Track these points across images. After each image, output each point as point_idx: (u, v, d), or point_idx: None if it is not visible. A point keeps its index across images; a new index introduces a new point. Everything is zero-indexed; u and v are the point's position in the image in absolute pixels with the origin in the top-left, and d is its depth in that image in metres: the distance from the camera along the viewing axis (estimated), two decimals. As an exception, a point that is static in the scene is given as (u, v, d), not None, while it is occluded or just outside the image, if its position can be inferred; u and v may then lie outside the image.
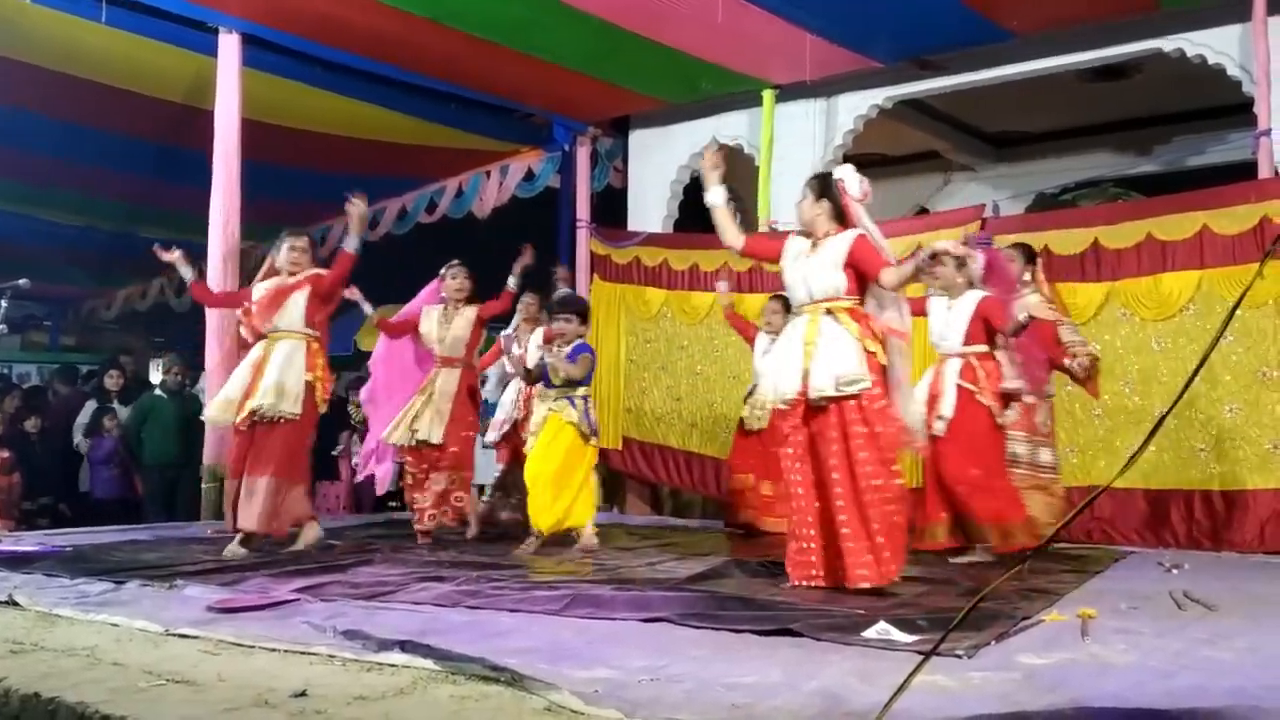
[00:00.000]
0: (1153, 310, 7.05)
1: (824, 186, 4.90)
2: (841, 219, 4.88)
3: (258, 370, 5.94)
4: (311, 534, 6.09)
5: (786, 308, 5.96)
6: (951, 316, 5.84)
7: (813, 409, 4.60)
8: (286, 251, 6.18)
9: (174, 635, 3.57)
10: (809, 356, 4.61)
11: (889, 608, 4.04)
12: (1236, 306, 2.81)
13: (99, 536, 6.72)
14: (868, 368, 4.53)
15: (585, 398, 6.24)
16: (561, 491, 6.07)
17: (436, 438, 6.51)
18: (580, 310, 6.41)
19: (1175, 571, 5.42)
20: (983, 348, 5.78)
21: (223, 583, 4.70)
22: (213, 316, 7.69)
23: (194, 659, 3.23)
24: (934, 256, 5.00)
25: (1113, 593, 4.61)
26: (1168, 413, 2.58)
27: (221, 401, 6.09)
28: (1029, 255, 6.48)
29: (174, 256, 6.53)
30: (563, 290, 7.58)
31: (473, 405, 6.86)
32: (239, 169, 7.65)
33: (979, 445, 5.67)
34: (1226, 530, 6.64)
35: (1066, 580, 4.95)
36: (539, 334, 7.10)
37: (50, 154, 9.26)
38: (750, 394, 7.16)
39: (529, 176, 10.41)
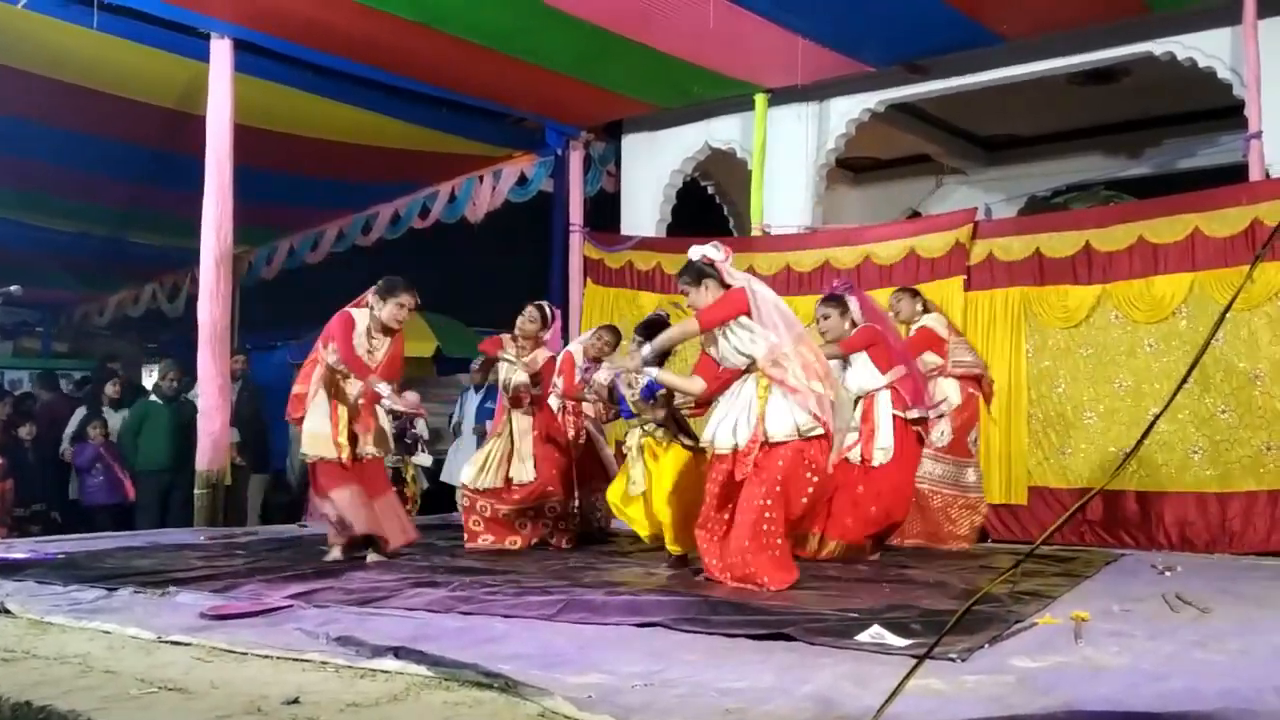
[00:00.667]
0: (1145, 313, 7.07)
1: (698, 272, 5.09)
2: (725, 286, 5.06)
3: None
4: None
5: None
6: (859, 360, 6.06)
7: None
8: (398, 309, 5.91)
9: (166, 642, 3.56)
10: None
11: (883, 611, 4.04)
12: (1228, 309, 2.82)
13: (91, 543, 6.70)
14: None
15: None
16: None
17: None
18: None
19: (1168, 574, 5.43)
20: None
21: (215, 590, 4.68)
22: (205, 326, 7.68)
23: (186, 666, 3.22)
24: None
25: (1105, 595, 4.62)
26: (1159, 415, 2.58)
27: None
28: (913, 293, 6.85)
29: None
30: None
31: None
32: (231, 174, 7.65)
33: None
34: (1219, 532, 6.66)
35: (1059, 583, 4.95)
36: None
37: (42, 160, 9.24)
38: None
39: (522, 181, 10.42)
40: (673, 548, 5.60)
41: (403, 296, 5.88)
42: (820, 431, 4.81)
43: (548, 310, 6.78)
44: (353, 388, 5.86)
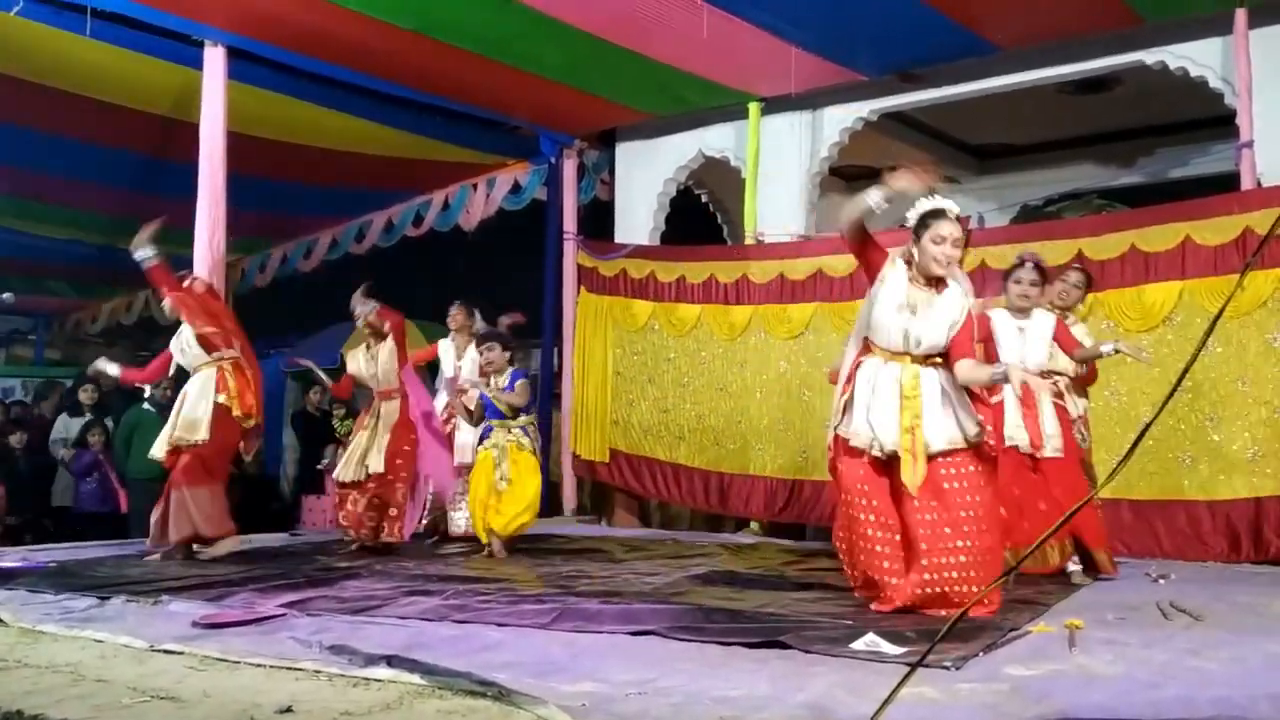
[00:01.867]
0: (1136, 321, 7.08)
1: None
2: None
3: None
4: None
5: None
6: (1029, 335, 5.55)
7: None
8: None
9: (159, 651, 3.55)
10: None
11: (877, 619, 4.04)
12: (1218, 318, 2.83)
13: (83, 551, 6.68)
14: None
15: (524, 427, 6.72)
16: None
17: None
18: (501, 339, 6.79)
19: (1161, 582, 5.44)
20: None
21: (208, 598, 4.67)
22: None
23: (179, 675, 3.21)
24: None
25: (1099, 604, 4.62)
26: (1149, 424, 2.58)
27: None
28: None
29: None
30: (481, 325, 7.58)
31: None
32: (224, 182, 7.63)
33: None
34: (1211, 540, 6.67)
35: (1053, 591, 4.95)
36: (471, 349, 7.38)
37: (35, 167, 9.23)
38: None
39: (516, 189, 10.42)
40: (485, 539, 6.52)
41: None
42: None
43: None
44: None
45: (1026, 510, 5.33)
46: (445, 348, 7.78)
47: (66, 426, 9.78)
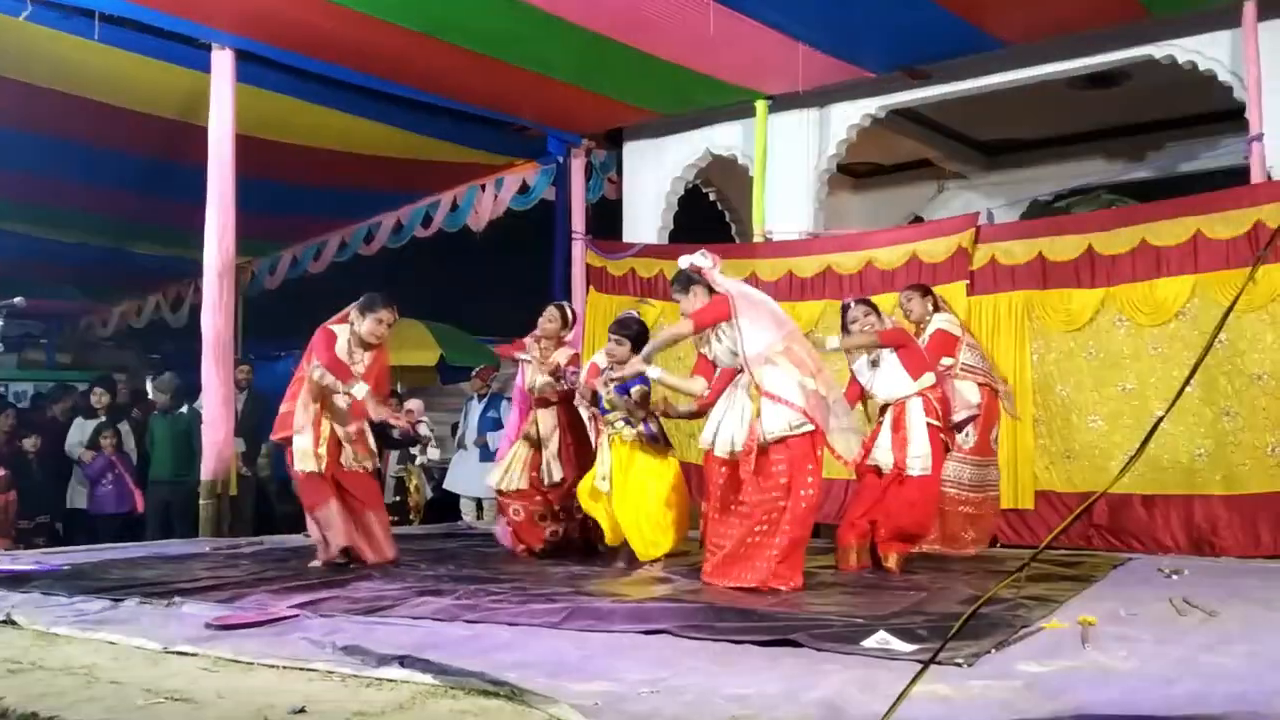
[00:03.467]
0: (1148, 315, 7.05)
1: (686, 280, 5.35)
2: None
3: None
4: None
5: None
6: (888, 363, 5.92)
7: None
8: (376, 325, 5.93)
9: (172, 653, 3.56)
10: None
11: (889, 617, 4.03)
12: (1230, 311, 2.82)
13: (97, 554, 6.70)
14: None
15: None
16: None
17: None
18: (633, 335, 6.15)
19: (1175, 577, 5.42)
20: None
21: (221, 600, 4.68)
22: (209, 336, 7.68)
23: (192, 676, 3.22)
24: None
25: (1112, 599, 4.61)
26: (1161, 418, 2.57)
27: None
28: (924, 291, 6.75)
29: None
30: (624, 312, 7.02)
31: None
32: (234, 184, 7.66)
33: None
34: (1225, 535, 6.64)
35: (1066, 587, 4.94)
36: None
37: (44, 171, 9.26)
38: None
39: (524, 189, 10.43)
40: (645, 551, 5.93)
41: (381, 312, 5.90)
42: (810, 428, 4.93)
43: (568, 310, 6.86)
44: (341, 400, 5.89)
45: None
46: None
47: (82, 430, 9.82)
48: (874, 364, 5.98)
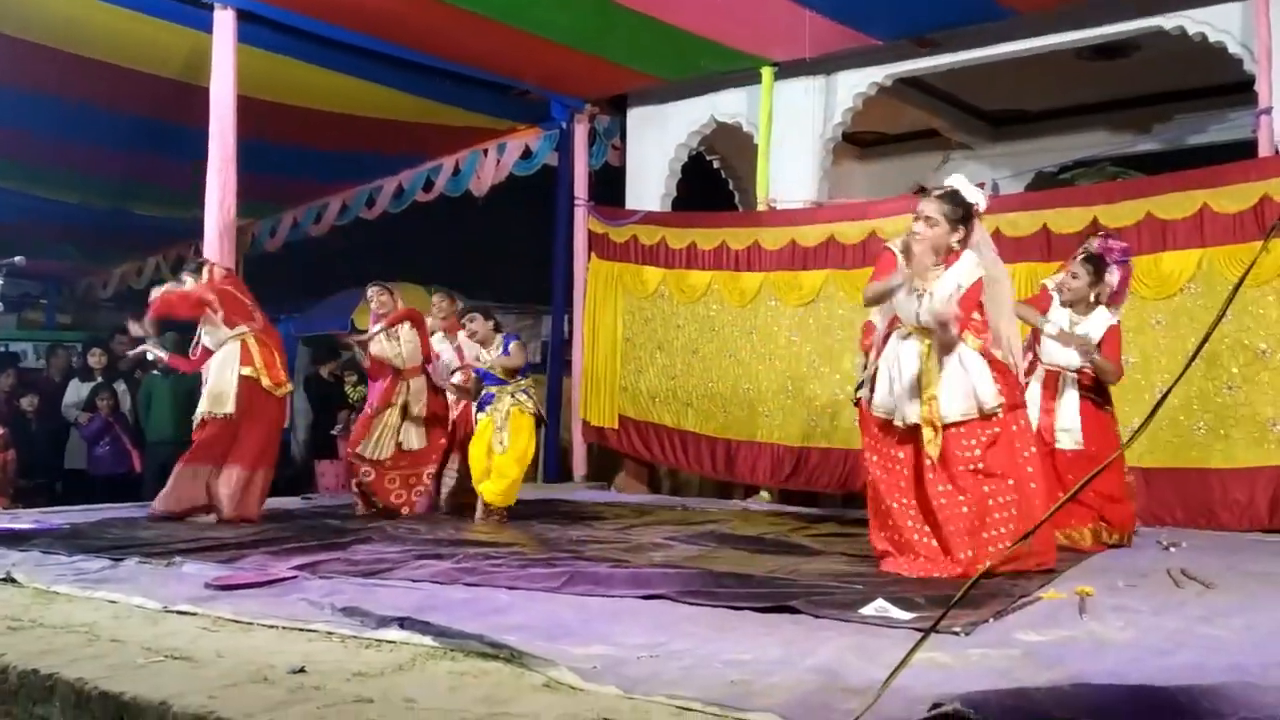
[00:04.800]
0: (1153, 289, 7.02)
1: (965, 212, 4.64)
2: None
3: None
4: None
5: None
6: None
7: None
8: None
9: (172, 612, 3.57)
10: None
11: (887, 585, 4.04)
12: (1239, 286, 2.81)
13: (96, 514, 6.72)
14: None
15: (526, 389, 6.83)
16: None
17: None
18: (483, 310, 6.96)
19: (1173, 550, 5.43)
20: None
21: (221, 560, 4.70)
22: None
23: (192, 635, 3.23)
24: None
25: (1111, 570, 4.62)
26: (1167, 392, 2.56)
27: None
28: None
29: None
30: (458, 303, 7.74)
31: None
32: (234, 145, 7.60)
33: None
34: (1224, 508, 6.64)
35: (1064, 558, 4.95)
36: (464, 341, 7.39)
37: (44, 131, 9.19)
38: None
39: (526, 154, 10.37)
40: (494, 500, 6.61)
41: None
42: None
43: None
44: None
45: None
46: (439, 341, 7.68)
47: (78, 391, 9.82)
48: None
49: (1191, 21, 7.39)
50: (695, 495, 9.46)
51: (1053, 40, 8.02)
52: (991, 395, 4.42)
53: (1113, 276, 5.77)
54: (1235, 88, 7.82)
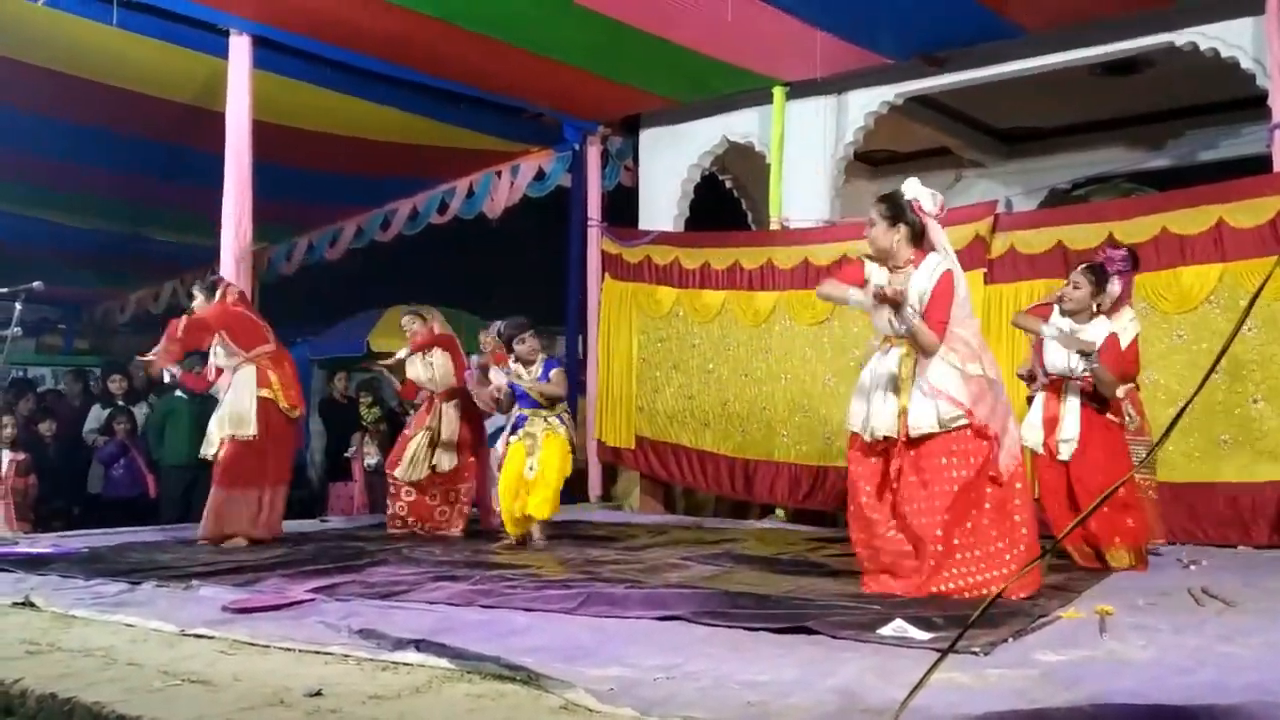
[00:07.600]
0: (1173, 303, 6.98)
1: (898, 209, 4.62)
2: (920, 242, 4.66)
3: None
4: None
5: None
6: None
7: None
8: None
9: (189, 635, 3.58)
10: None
11: (905, 605, 4.02)
12: (1255, 299, 2.79)
13: (114, 538, 6.75)
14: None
15: (560, 415, 6.70)
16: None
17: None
18: (536, 327, 6.76)
19: (1193, 567, 5.39)
20: None
21: (238, 583, 4.71)
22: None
23: (209, 659, 3.24)
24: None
25: (1130, 589, 4.58)
26: (1185, 406, 2.54)
27: None
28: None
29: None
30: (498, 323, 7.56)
31: None
32: (250, 170, 7.67)
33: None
34: (1246, 525, 6.57)
35: (1083, 577, 4.92)
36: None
37: (61, 157, 9.29)
38: None
39: (540, 176, 10.42)
40: (514, 530, 6.54)
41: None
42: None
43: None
44: None
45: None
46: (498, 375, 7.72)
47: (98, 416, 9.87)
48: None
49: (1203, 37, 7.39)
50: (711, 515, 9.44)
51: (1064, 58, 8.03)
52: (949, 409, 4.36)
53: (1114, 286, 5.74)
54: (1248, 103, 7.80)
